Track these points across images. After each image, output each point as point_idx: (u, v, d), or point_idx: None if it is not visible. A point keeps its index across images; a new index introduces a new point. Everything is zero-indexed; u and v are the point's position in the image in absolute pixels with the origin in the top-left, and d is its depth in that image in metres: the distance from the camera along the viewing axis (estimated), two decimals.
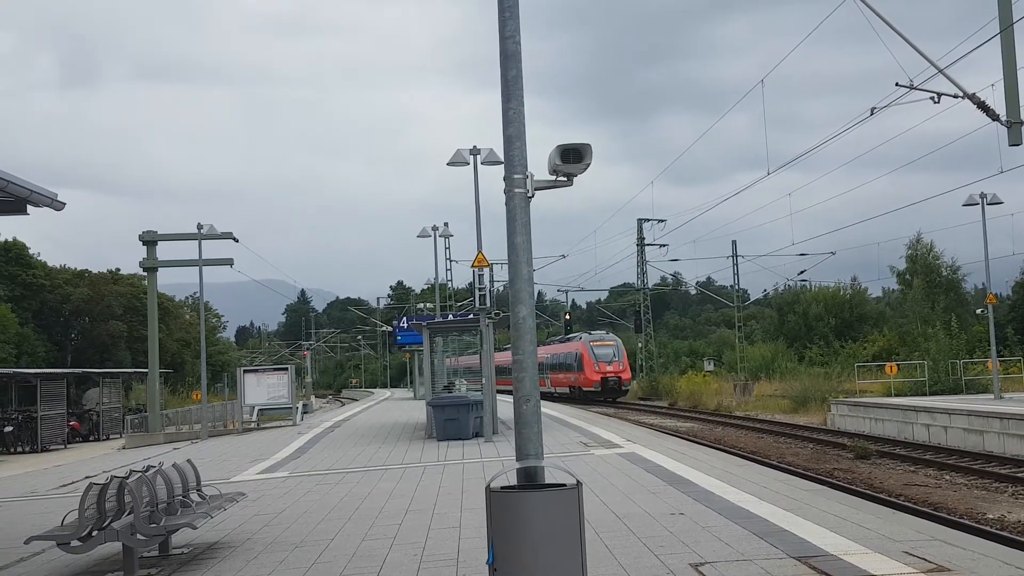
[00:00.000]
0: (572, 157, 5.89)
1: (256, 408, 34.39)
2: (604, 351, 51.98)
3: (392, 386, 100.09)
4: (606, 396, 50.87)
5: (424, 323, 26.70)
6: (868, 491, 15.67)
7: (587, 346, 52.92)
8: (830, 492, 12.32)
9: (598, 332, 58.01)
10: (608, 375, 50.31)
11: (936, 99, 18.65)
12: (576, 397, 51.68)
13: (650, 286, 68.78)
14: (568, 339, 58.51)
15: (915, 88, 18.81)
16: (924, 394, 32.99)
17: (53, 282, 69.53)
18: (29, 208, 11.24)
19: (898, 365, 37.82)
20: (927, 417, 24.91)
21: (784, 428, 30.23)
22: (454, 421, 21.18)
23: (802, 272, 61.84)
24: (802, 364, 53.46)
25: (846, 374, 42.87)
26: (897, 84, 18.87)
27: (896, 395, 33.17)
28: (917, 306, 51.68)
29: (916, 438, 24.58)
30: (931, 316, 47.14)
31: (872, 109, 20.27)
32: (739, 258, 64.57)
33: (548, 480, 5.79)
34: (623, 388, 51.67)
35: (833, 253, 58.65)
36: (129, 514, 8.72)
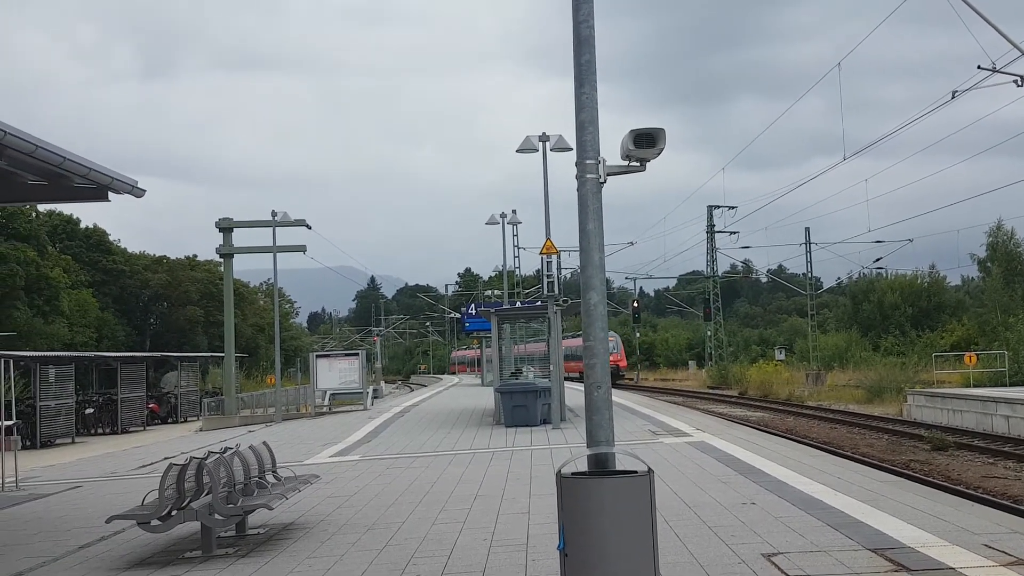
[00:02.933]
0: (645, 142, 5.83)
1: (328, 392, 34.96)
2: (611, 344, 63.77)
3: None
4: None
5: (492, 310, 26.79)
6: (946, 483, 15.27)
7: None
8: (906, 484, 12.06)
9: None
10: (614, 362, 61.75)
11: (1019, 82, 18.07)
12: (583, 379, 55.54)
13: (720, 274, 68.01)
14: (577, 335, 62.81)
15: (998, 71, 18.24)
16: (1004, 385, 32.00)
17: (132, 268, 71.58)
18: (110, 195, 11.54)
19: (977, 355, 36.74)
20: (1007, 408, 24.19)
21: (858, 418, 29.63)
22: (522, 408, 21.24)
23: (878, 259, 60.60)
24: (877, 353, 52.32)
25: (923, 364, 41.79)
26: (979, 67, 18.32)
27: (975, 386, 32.23)
28: (997, 295, 50.09)
29: (995, 429, 23.87)
30: (1011, 305, 45.67)
31: (953, 93, 19.73)
32: (812, 245, 63.51)
33: (618, 467, 5.77)
34: (620, 373, 61.85)
35: (910, 240, 57.37)
36: (207, 494, 8.93)
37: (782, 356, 62.43)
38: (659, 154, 5.87)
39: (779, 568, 7.01)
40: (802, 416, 32.29)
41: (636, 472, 5.47)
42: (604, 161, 5.88)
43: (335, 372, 35.02)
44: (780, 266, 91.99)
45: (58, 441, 29.48)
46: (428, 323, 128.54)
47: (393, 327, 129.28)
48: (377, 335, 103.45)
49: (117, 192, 11.29)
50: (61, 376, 30.33)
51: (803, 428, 27.64)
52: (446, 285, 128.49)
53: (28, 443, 28.17)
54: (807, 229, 64.30)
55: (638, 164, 5.98)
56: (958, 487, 14.86)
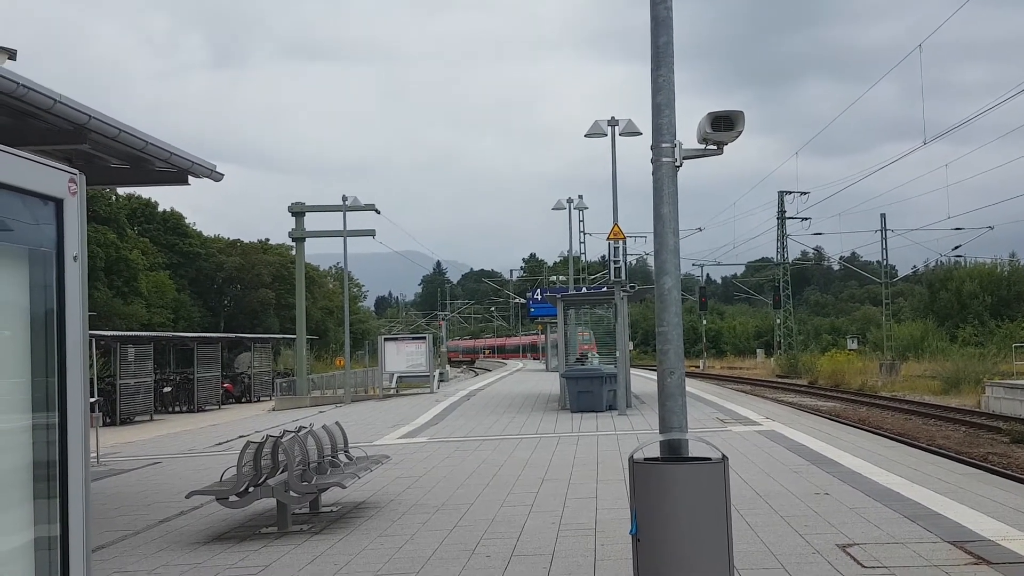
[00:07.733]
0: (723, 125, 5.73)
1: (395, 375, 35.35)
2: (582, 338, 68.84)
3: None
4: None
5: (559, 295, 26.76)
6: None
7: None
8: (985, 476, 11.77)
9: (580, 327, 72.01)
10: (584, 350, 69.03)
11: None
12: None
13: (790, 261, 66.84)
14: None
15: None
16: None
17: (208, 251, 73.24)
18: (190, 179, 11.80)
19: None
20: None
21: (934, 410, 28.93)
22: (588, 393, 21.22)
23: (956, 247, 58.90)
24: (954, 344, 50.97)
25: (1002, 355, 40.60)
26: None
27: None
28: None
29: None
30: None
31: None
32: (888, 232, 62.03)
33: (690, 454, 5.72)
34: None
35: (991, 227, 55.59)
36: (283, 472, 9.12)
37: (855, 345, 61.16)
38: (737, 137, 5.78)
39: (855, 559, 6.90)
40: (875, 406, 31.64)
41: (710, 459, 5.43)
42: (680, 144, 5.81)
43: (402, 355, 35.40)
44: (853, 253, 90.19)
45: (137, 418, 30.35)
46: (493, 308, 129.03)
47: (458, 312, 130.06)
48: (443, 319, 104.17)
49: (197, 176, 11.53)
50: (140, 355, 31.20)
51: (876, 419, 27.09)
52: (511, 270, 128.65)
53: (108, 420, 29.04)
54: (883, 216, 62.79)
55: (715, 148, 5.89)
56: None
